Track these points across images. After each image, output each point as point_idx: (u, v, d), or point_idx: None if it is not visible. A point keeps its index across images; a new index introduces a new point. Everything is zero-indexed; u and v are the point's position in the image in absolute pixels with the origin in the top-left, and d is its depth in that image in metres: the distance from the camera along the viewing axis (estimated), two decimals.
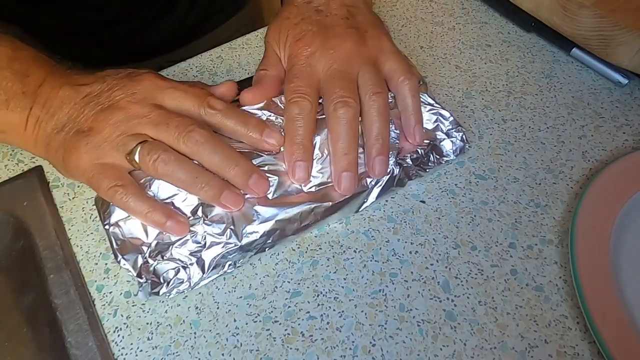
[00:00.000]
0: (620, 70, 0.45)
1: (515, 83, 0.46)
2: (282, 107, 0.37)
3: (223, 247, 0.33)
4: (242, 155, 0.34)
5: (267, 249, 0.35)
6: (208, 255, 0.33)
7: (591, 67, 0.46)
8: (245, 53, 0.48)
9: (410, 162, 0.38)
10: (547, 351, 0.32)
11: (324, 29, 0.37)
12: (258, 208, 0.34)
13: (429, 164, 0.39)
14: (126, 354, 0.32)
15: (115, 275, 0.35)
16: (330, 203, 0.35)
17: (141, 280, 0.33)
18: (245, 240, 0.34)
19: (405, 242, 0.36)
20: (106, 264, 0.36)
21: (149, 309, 0.34)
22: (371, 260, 0.36)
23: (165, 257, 0.33)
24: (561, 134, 0.42)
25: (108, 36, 0.56)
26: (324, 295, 0.34)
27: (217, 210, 0.34)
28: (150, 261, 0.33)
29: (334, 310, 0.33)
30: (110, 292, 0.34)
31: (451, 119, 0.39)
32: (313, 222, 0.35)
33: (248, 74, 0.47)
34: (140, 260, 0.33)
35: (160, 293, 0.33)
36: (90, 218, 0.38)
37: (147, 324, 0.33)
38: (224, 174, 0.33)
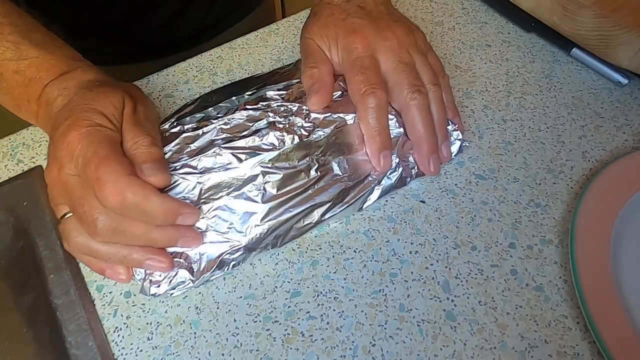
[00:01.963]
0: (620, 70, 0.45)
1: (515, 83, 0.46)
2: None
3: (226, 246, 0.33)
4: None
5: (270, 248, 0.35)
6: (211, 255, 0.33)
7: (591, 67, 0.46)
8: (245, 53, 0.48)
9: (412, 161, 0.38)
10: (547, 351, 0.32)
11: (374, 21, 0.38)
12: (260, 207, 0.34)
13: None
14: (126, 354, 0.32)
15: None
16: (332, 202, 0.35)
17: (143, 278, 0.33)
18: (248, 239, 0.34)
19: (405, 242, 0.36)
20: None
21: (149, 309, 0.34)
22: (371, 260, 0.36)
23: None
24: (561, 134, 0.42)
25: (126, 33, 0.56)
26: (324, 295, 0.34)
27: (219, 211, 0.34)
28: None
29: (334, 310, 0.33)
30: (110, 292, 0.34)
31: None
32: (316, 221, 0.35)
33: (248, 73, 0.47)
34: None
35: (162, 291, 0.33)
36: None
37: (147, 324, 0.33)
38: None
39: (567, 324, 0.33)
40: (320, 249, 0.36)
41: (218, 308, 0.34)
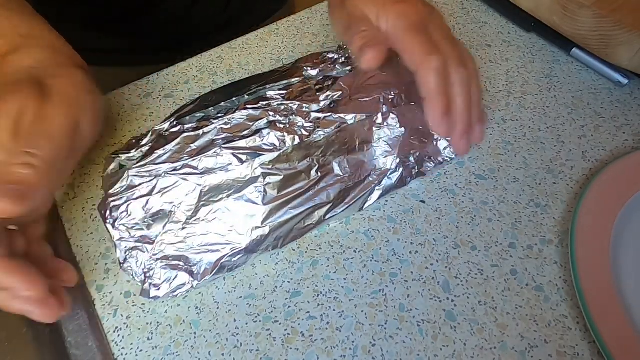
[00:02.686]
0: (620, 70, 0.45)
1: (515, 83, 0.46)
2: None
3: (227, 248, 0.33)
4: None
5: (270, 250, 0.35)
6: (212, 257, 0.33)
7: (591, 67, 0.46)
8: (245, 53, 0.48)
9: (413, 161, 0.38)
10: (547, 351, 0.32)
11: None
12: (261, 208, 0.34)
13: (430, 163, 0.39)
14: (126, 354, 0.32)
15: (115, 275, 0.35)
16: (333, 203, 0.35)
17: (143, 280, 0.33)
18: (249, 242, 0.34)
19: (405, 242, 0.36)
20: (106, 264, 0.36)
21: (149, 309, 0.34)
22: (371, 260, 0.36)
23: (168, 259, 0.33)
24: (561, 134, 0.42)
25: (133, 26, 0.56)
26: (324, 295, 0.34)
27: (219, 213, 0.34)
28: (153, 263, 0.33)
29: (334, 310, 0.33)
30: (110, 292, 0.34)
31: None
32: (316, 222, 0.35)
33: (248, 73, 0.47)
34: (143, 261, 0.33)
35: (162, 294, 0.33)
36: (90, 218, 0.38)
37: (147, 324, 0.33)
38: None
39: (567, 324, 0.33)
40: (320, 249, 0.36)
41: (218, 308, 0.34)
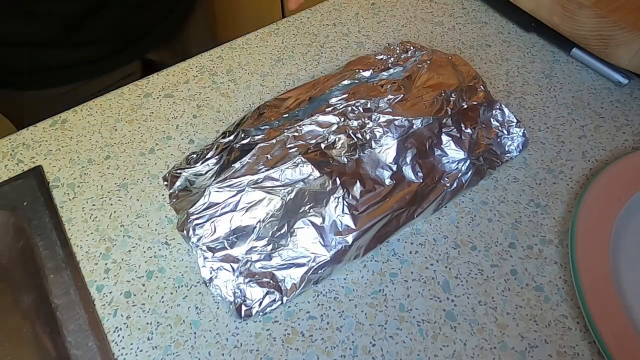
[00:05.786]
0: (620, 70, 0.45)
1: (515, 83, 0.46)
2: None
3: (312, 261, 0.33)
4: None
5: (353, 259, 0.34)
6: (298, 272, 0.33)
7: (591, 67, 0.46)
8: (245, 53, 0.48)
9: (482, 161, 0.38)
10: (547, 351, 0.32)
11: None
12: (343, 219, 0.33)
13: (497, 162, 0.39)
14: (126, 354, 0.32)
15: (115, 275, 0.35)
16: (408, 208, 0.35)
17: (231, 301, 0.32)
18: (333, 253, 0.33)
19: (405, 242, 0.36)
20: (106, 264, 0.36)
21: (149, 309, 0.34)
22: (371, 260, 0.36)
23: (254, 276, 0.33)
24: (561, 134, 0.42)
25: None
26: (324, 295, 0.34)
27: (302, 225, 0.33)
28: (240, 282, 0.32)
29: (334, 310, 0.33)
30: (110, 292, 0.34)
31: (511, 116, 0.39)
32: (394, 229, 0.35)
33: (248, 73, 0.47)
34: (230, 280, 0.32)
35: (254, 313, 0.32)
36: (90, 218, 0.38)
37: (147, 324, 0.33)
38: None
39: (567, 324, 0.33)
40: None
41: (218, 308, 0.34)
